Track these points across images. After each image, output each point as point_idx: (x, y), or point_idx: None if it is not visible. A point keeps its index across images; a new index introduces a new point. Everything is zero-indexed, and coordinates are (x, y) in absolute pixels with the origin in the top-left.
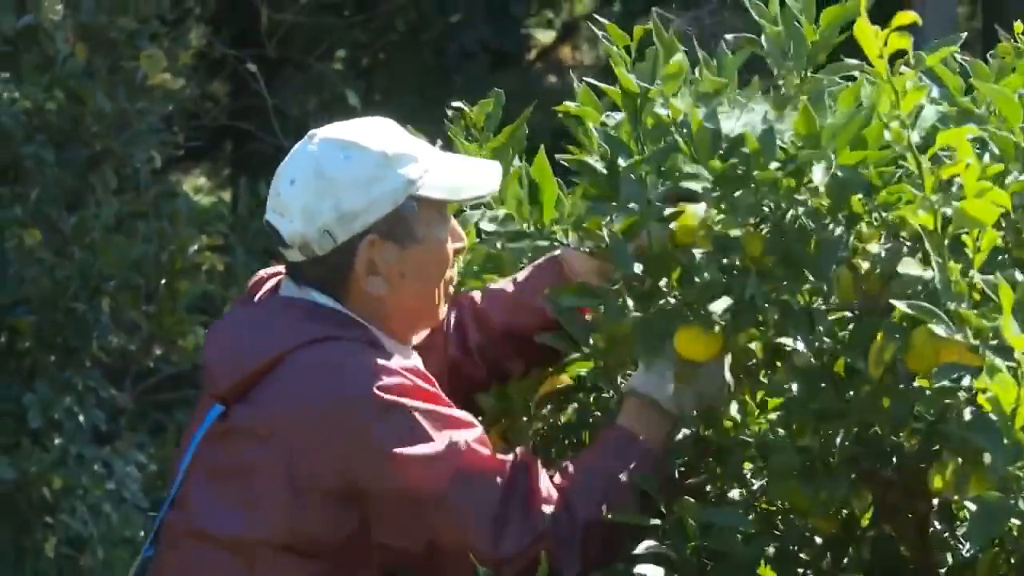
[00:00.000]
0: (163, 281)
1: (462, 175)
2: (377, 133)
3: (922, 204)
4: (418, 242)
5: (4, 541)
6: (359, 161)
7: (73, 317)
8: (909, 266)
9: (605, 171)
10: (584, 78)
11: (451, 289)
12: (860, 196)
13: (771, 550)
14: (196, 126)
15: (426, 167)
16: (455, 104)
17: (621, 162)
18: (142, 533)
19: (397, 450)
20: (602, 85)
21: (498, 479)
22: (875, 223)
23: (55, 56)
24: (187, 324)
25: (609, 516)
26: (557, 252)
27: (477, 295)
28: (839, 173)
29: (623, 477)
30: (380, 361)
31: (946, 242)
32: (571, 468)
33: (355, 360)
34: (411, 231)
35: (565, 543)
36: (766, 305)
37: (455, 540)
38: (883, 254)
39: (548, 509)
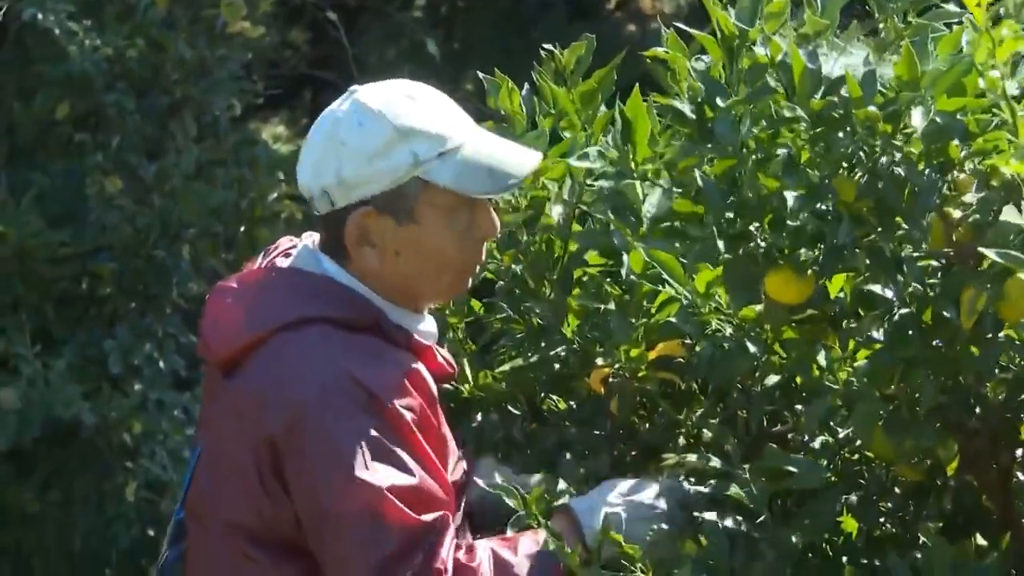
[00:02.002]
0: (242, 228)
1: (483, 168)
2: (407, 105)
3: (1016, 152)
4: (416, 222)
5: (86, 485)
6: (370, 132)
7: (153, 264)
8: (1009, 214)
9: (694, 116)
10: (674, 23)
11: (471, 276)
12: (956, 143)
13: (853, 499)
14: (275, 74)
15: (444, 150)
16: (546, 47)
17: (719, 102)
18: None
19: (326, 460)
20: (692, 31)
21: (403, 537)
22: (968, 171)
23: (136, 4)
24: None
25: None
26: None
27: None
28: (937, 119)
29: None
30: (358, 364)
31: None
32: (484, 553)
33: (331, 356)
34: (410, 210)
35: None
36: (856, 251)
37: (334, 569)
38: (976, 203)
39: None
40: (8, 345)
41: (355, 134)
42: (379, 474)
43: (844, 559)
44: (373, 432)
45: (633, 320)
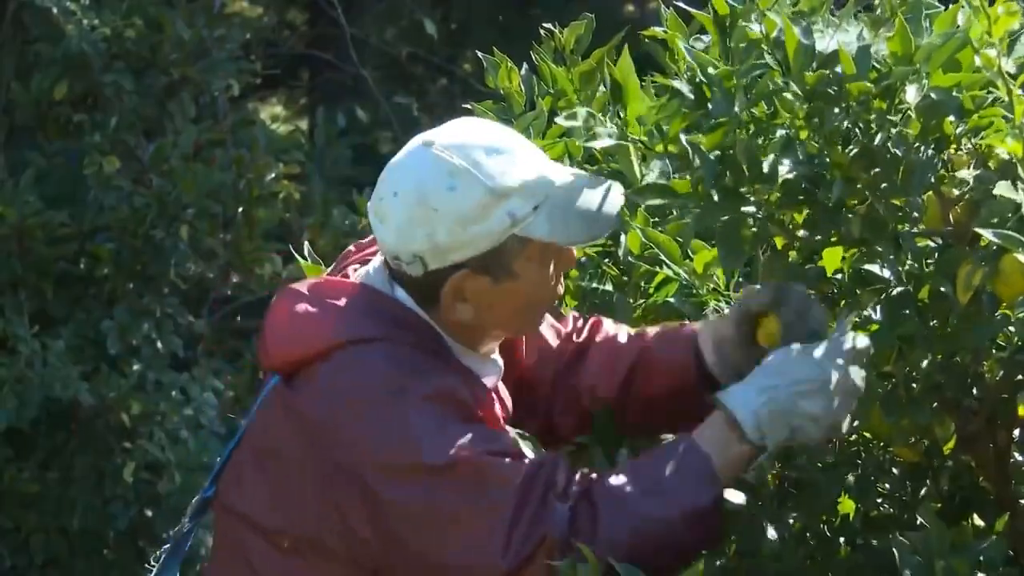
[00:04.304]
0: (240, 209)
1: (578, 214)
2: (495, 161)
3: (1011, 132)
4: (514, 277)
5: (84, 465)
6: (463, 196)
7: (151, 244)
8: (1003, 189)
9: (692, 95)
10: (673, 2)
11: (552, 307)
12: (951, 119)
13: (851, 479)
14: (273, 54)
15: (537, 202)
16: (545, 26)
17: (711, 71)
18: (219, 459)
19: (417, 459)
20: (691, 10)
21: (514, 487)
22: (964, 150)
23: None
24: (264, 252)
25: (639, 522)
26: (695, 324)
27: (616, 333)
28: (932, 95)
29: (668, 475)
30: (430, 366)
31: None
32: (616, 469)
33: (406, 362)
34: (508, 267)
35: (580, 536)
36: (850, 216)
37: (463, 555)
38: (972, 181)
39: (564, 506)
40: (7, 325)
41: (447, 199)
42: (465, 450)
43: (842, 540)
44: (445, 421)
45: (631, 300)
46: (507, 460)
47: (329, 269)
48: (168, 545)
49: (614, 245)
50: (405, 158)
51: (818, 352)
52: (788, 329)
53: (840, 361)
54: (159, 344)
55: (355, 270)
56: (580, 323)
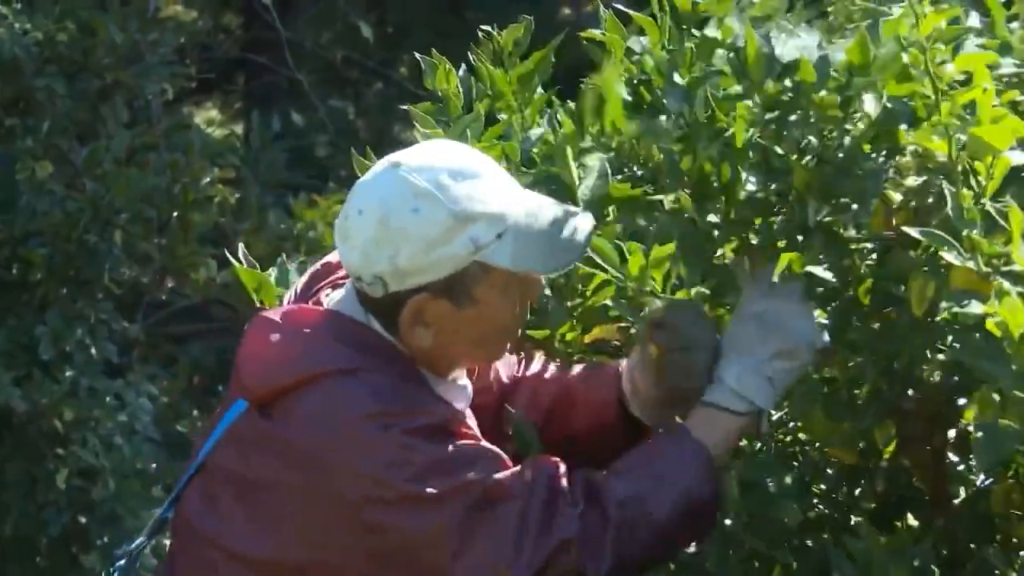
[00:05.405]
0: (175, 213)
1: (541, 243)
2: (460, 185)
3: (936, 130)
4: (476, 303)
5: (16, 471)
6: (427, 219)
7: (85, 249)
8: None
9: (630, 98)
10: (613, 4)
11: (516, 337)
12: (904, 128)
13: (788, 481)
14: (208, 58)
15: (502, 229)
16: (484, 28)
17: (677, 79)
18: (154, 465)
19: (423, 489)
20: (631, 12)
21: (521, 498)
22: (910, 153)
23: None
24: (199, 256)
25: (651, 512)
26: (621, 362)
27: (543, 368)
28: (888, 104)
29: (668, 470)
30: (414, 396)
31: (960, 168)
32: (613, 465)
33: (392, 394)
34: (470, 293)
35: (592, 541)
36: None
37: (477, 569)
38: (917, 187)
39: (573, 512)
40: None
41: (410, 221)
42: (466, 476)
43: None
44: (443, 449)
45: (568, 303)
46: (507, 474)
47: (299, 290)
48: (122, 562)
49: None
50: (372, 178)
51: (751, 305)
52: (669, 346)
53: (770, 298)
54: (93, 350)
55: (327, 295)
56: (514, 358)
